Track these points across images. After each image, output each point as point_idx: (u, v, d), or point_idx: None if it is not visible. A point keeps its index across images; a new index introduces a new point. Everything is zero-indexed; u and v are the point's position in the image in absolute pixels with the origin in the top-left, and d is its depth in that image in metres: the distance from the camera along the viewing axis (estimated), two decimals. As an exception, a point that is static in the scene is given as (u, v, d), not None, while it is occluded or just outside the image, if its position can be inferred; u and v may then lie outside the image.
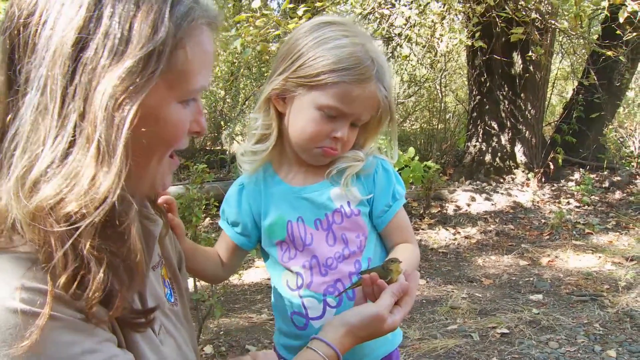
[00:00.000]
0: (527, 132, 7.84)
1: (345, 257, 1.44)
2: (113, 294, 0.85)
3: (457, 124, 10.35)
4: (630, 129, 9.08)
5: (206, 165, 3.53)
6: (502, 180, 7.78)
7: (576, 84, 8.90)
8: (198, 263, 1.52)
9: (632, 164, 8.32)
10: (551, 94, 9.94)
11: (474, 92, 8.31)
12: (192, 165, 3.46)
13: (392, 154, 1.53)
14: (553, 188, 7.55)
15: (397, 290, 1.25)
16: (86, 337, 0.82)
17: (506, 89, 7.80)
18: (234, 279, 4.68)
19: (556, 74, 10.25)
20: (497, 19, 5.84)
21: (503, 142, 7.92)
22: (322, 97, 1.33)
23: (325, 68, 1.31)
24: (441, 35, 6.19)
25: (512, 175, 7.83)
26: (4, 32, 0.82)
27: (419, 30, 6.28)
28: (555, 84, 10.35)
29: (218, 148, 9.93)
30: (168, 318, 1.12)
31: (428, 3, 6.04)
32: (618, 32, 5.95)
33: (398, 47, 7.24)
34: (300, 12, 5.17)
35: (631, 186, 7.57)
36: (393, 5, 6.23)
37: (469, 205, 7.05)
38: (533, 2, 5.67)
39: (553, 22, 6.42)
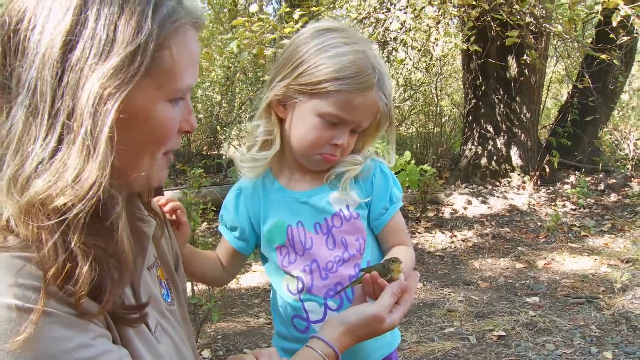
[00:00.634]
0: (523, 135, 7.88)
1: (345, 260, 1.45)
2: (103, 289, 0.87)
3: (453, 128, 10.38)
4: (625, 132, 9.13)
5: (203, 170, 3.53)
6: (498, 184, 7.81)
7: (571, 87, 8.95)
8: (198, 267, 1.53)
9: (627, 166, 8.36)
10: (546, 97, 9.98)
11: (470, 96, 8.34)
12: (190, 169, 3.46)
13: (390, 157, 1.55)
14: (549, 191, 7.58)
15: (397, 289, 1.26)
16: (79, 333, 0.84)
17: (501, 92, 7.84)
18: (231, 283, 4.67)
19: (551, 78, 10.29)
20: (492, 23, 5.87)
21: (499, 145, 7.95)
22: (324, 104, 1.34)
23: (327, 76, 1.32)
24: (436, 39, 6.21)
25: (508, 179, 7.86)
26: None
27: (414, 34, 6.31)
28: (550, 88, 10.40)
29: (214, 153, 9.93)
30: (165, 318, 1.13)
31: (423, 7, 6.06)
32: (612, 35, 5.99)
33: (394, 51, 7.26)
34: (296, 16, 5.19)
35: (626, 189, 7.61)
36: (388, 10, 6.25)
37: (465, 208, 7.07)
38: (527, 6, 5.70)
39: (547, 25, 6.46)
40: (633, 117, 9.64)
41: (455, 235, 6.33)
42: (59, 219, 0.81)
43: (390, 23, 5.96)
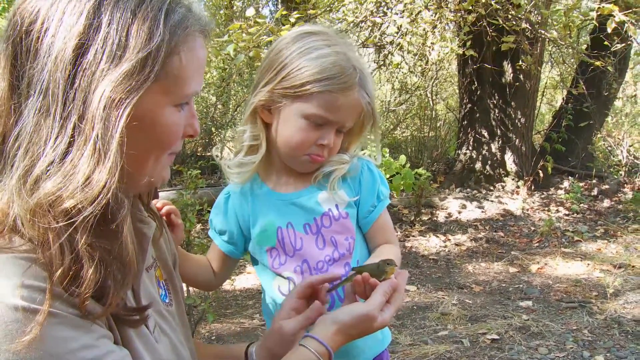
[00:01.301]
0: (517, 140, 7.92)
1: (336, 259, 1.46)
2: (106, 291, 0.88)
3: (448, 132, 10.43)
4: (619, 138, 9.19)
5: (199, 171, 3.54)
6: (492, 188, 7.84)
7: (565, 93, 9.00)
8: (189, 270, 1.54)
9: (620, 172, 8.41)
10: (541, 102, 10.04)
11: (465, 101, 8.38)
12: (186, 171, 3.46)
13: (376, 155, 1.57)
14: (542, 196, 7.61)
15: (388, 288, 1.27)
16: (84, 333, 0.85)
17: (496, 97, 7.88)
18: (225, 285, 4.68)
19: (546, 83, 10.35)
20: (488, 28, 5.90)
21: (493, 150, 7.98)
22: (308, 106, 1.36)
23: (310, 78, 1.34)
24: (432, 43, 6.24)
25: (502, 183, 7.89)
26: (7, 39, 0.86)
27: (410, 38, 6.33)
28: (544, 93, 10.46)
29: (209, 154, 9.92)
30: (163, 318, 1.14)
31: (420, 12, 6.09)
32: (606, 42, 6.03)
33: (390, 55, 7.29)
34: (292, 20, 5.21)
35: (619, 194, 7.66)
36: (385, 14, 6.27)
37: (459, 212, 7.09)
38: (523, 12, 5.74)
39: (543, 31, 6.50)
40: (626, 123, 9.71)
41: (449, 239, 6.35)
42: (66, 222, 0.81)
43: (387, 27, 5.99)
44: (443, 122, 10.60)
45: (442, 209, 7.20)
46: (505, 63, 7.60)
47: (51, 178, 0.81)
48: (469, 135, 8.19)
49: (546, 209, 7.21)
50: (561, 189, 7.89)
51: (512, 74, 7.65)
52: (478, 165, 8.04)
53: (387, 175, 6.65)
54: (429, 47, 6.46)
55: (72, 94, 0.82)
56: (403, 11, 6.06)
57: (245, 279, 5.06)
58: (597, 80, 7.74)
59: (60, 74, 0.82)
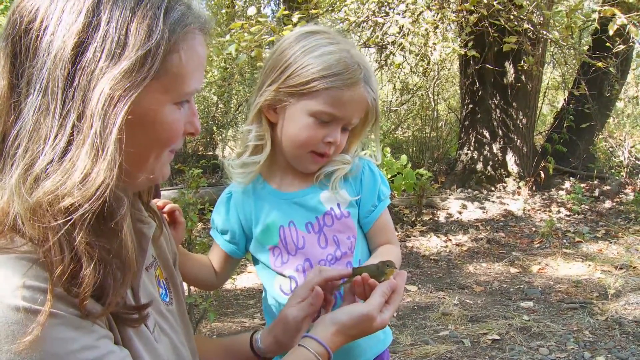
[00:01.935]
0: (519, 141, 7.92)
1: (338, 258, 1.46)
2: (106, 290, 0.88)
3: (449, 132, 10.42)
4: (620, 139, 9.18)
5: (201, 170, 3.54)
6: (493, 189, 7.84)
7: (567, 94, 9.01)
8: (190, 268, 1.55)
9: (622, 173, 8.41)
10: (542, 103, 10.03)
11: (466, 101, 8.38)
12: (188, 170, 3.47)
13: (376, 155, 1.57)
14: (544, 197, 7.61)
15: (387, 289, 1.28)
16: (84, 334, 0.85)
17: (498, 98, 7.87)
18: (226, 284, 4.68)
19: (547, 84, 10.36)
20: (490, 29, 5.90)
21: (494, 150, 7.98)
22: (314, 103, 1.37)
23: (315, 75, 1.35)
24: (434, 44, 6.23)
25: (504, 184, 7.89)
26: (7, 38, 0.86)
27: (412, 38, 6.33)
28: (546, 94, 10.46)
29: (210, 153, 9.93)
30: (163, 317, 1.14)
31: (422, 12, 6.09)
32: (608, 44, 6.03)
33: (391, 55, 7.29)
34: (294, 19, 5.21)
35: (620, 195, 7.66)
36: (387, 14, 6.28)
37: (460, 212, 7.09)
38: (525, 13, 5.74)
39: (545, 32, 6.50)
40: (628, 124, 9.71)
41: (450, 240, 6.35)
42: (65, 219, 0.81)
43: (389, 27, 5.99)
44: (444, 122, 10.60)
45: (443, 209, 7.20)
46: (507, 64, 7.59)
47: (50, 176, 0.81)
48: (471, 135, 8.19)
49: (547, 209, 7.21)
50: (562, 189, 7.89)
51: (513, 75, 7.65)
52: (479, 166, 8.04)
53: (389, 175, 6.65)
54: (431, 47, 6.45)
55: (72, 92, 0.82)
56: (405, 11, 6.06)
57: (246, 278, 5.06)
58: (598, 81, 7.74)
59: (60, 72, 0.82)
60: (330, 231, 1.47)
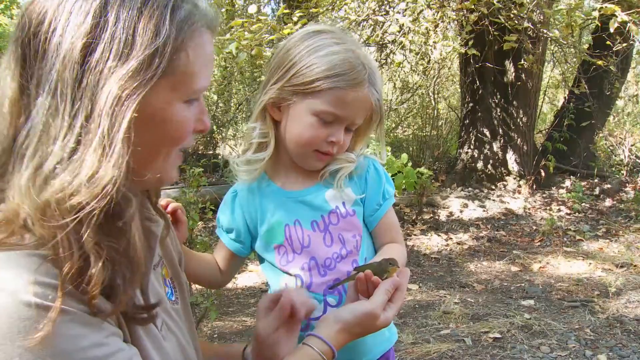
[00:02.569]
0: (519, 139, 7.91)
1: (343, 256, 1.46)
2: (116, 289, 0.88)
3: (450, 131, 10.42)
4: (620, 138, 9.19)
5: (202, 169, 3.54)
6: (494, 187, 7.84)
7: (567, 92, 9.00)
8: (195, 267, 1.55)
9: (622, 172, 8.41)
10: (542, 102, 10.03)
11: (467, 100, 8.38)
12: (189, 169, 3.47)
13: (381, 154, 1.57)
14: (544, 195, 7.61)
15: (390, 287, 1.28)
16: (94, 331, 0.86)
17: (498, 96, 7.87)
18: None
19: (547, 82, 10.35)
20: (490, 27, 5.90)
21: (495, 149, 7.98)
22: (318, 103, 1.37)
23: (320, 75, 1.35)
24: (434, 42, 6.23)
25: (504, 182, 7.89)
26: (16, 41, 0.87)
27: (412, 37, 6.32)
28: (546, 92, 10.46)
29: (210, 152, 9.93)
30: (170, 316, 1.14)
31: (422, 10, 6.09)
32: (608, 42, 6.03)
33: (391, 53, 7.29)
34: (295, 18, 5.21)
35: (621, 194, 7.66)
36: (387, 13, 6.27)
37: (461, 211, 7.10)
38: (526, 11, 5.74)
39: (545, 31, 6.50)
40: (628, 123, 9.71)
41: (450, 238, 6.35)
42: (73, 217, 0.81)
43: (389, 26, 5.99)
44: (445, 121, 10.60)
45: (444, 207, 7.20)
46: (507, 62, 7.59)
47: (59, 176, 0.81)
48: (471, 134, 8.19)
49: (548, 208, 7.21)
50: (563, 188, 7.89)
51: (514, 73, 7.65)
52: (480, 164, 8.04)
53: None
54: (431, 46, 6.45)
55: (80, 93, 0.83)
56: (405, 10, 6.07)
57: (247, 277, 5.06)
58: (599, 79, 7.74)
59: (69, 74, 0.82)
60: (336, 229, 1.47)
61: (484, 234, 6.45)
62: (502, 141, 7.94)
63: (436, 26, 6.16)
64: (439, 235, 6.41)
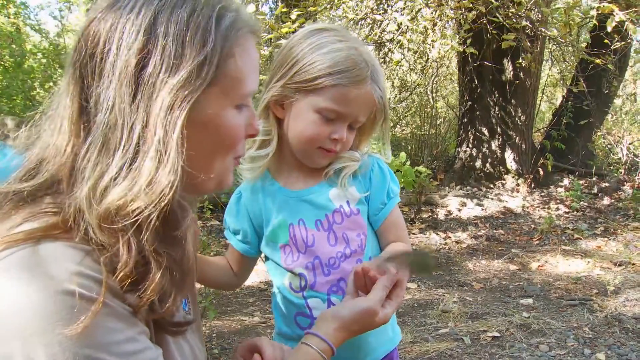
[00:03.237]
0: (517, 138, 7.92)
1: (347, 256, 1.46)
2: (167, 296, 0.92)
3: (448, 130, 10.43)
4: (618, 136, 9.20)
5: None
6: (492, 186, 7.84)
7: (565, 91, 9.01)
8: (210, 272, 1.58)
9: (620, 170, 8.43)
10: (541, 100, 10.04)
11: (465, 98, 8.38)
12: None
13: (386, 153, 1.57)
14: (542, 194, 7.62)
15: (388, 282, 1.28)
16: (129, 327, 0.89)
17: (497, 95, 7.88)
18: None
19: (546, 81, 10.36)
20: (489, 26, 5.90)
21: (493, 147, 7.99)
22: (320, 100, 1.36)
23: (322, 72, 1.35)
24: (433, 41, 6.23)
25: (502, 181, 7.90)
26: (74, 64, 0.92)
27: (410, 36, 6.32)
28: (544, 91, 10.46)
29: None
30: None
31: (420, 9, 6.09)
32: (606, 40, 6.04)
33: (390, 52, 7.29)
34: (293, 17, 5.21)
35: (619, 192, 7.67)
36: (385, 11, 6.27)
37: (459, 210, 7.10)
38: (524, 10, 5.74)
39: (543, 29, 6.50)
40: (626, 121, 9.73)
41: (449, 237, 6.36)
42: (133, 220, 0.85)
43: (387, 24, 5.98)
44: (443, 119, 10.61)
45: (442, 206, 7.20)
46: (505, 61, 7.59)
47: (119, 185, 0.85)
48: (469, 132, 8.19)
49: (546, 206, 7.22)
50: (561, 186, 7.90)
51: (512, 72, 7.65)
52: (478, 163, 8.05)
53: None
54: (429, 44, 6.45)
55: (136, 106, 0.87)
56: (403, 9, 6.06)
57: (245, 277, 5.06)
58: (597, 78, 7.75)
59: (125, 89, 0.87)
60: (340, 229, 1.46)
61: (482, 232, 6.45)
62: (500, 140, 7.95)
63: (434, 25, 6.17)
64: (437, 234, 6.41)
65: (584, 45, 7.79)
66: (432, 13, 5.99)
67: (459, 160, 8.33)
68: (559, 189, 7.79)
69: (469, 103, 8.20)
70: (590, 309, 4.19)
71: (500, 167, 7.96)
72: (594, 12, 5.23)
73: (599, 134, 8.75)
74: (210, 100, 0.93)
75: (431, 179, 7.57)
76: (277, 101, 1.42)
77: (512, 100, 7.81)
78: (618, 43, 6.09)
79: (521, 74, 7.63)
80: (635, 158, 8.62)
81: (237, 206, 1.57)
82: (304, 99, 1.38)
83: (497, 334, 3.78)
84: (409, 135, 10.77)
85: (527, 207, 7.19)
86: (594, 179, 8.02)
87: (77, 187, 0.88)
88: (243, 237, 1.57)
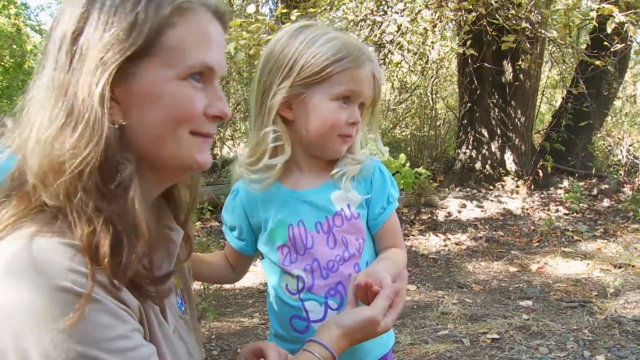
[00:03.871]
0: (517, 139, 7.92)
1: (346, 259, 1.46)
2: (122, 255, 0.93)
3: (448, 131, 10.43)
4: (618, 138, 9.19)
5: (200, 169, 3.53)
6: (492, 188, 7.84)
7: (565, 92, 9.01)
8: (207, 270, 1.60)
9: (620, 172, 8.42)
10: (540, 102, 10.04)
11: (465, 100, 8.38)
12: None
13: (380, 149, 1.58)
14: (542, 195, 7.62)
15: (391, 293, 1.29)
16: (121, 324, 0.90)
17: (496, 96, 7.88)
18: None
19: (545, 83, 10.36)
20: (488, 28, 5.90)
21: (493, 149, 7.98)
22: (334, 86, 1.39)
23: (328, 61, 1.37)
24: (432, 42, 6.24)
25: (502, 183, 7.89)
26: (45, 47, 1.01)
27: (410, 37, 6.32)
28: (544, 93, 10.46)
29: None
30: (180, 324, 1.17)
31: (420, 10, 6.08)
32: (606, 42, 6.03)
33: (389, 53, 7.28)
34: (293, 18, 5.20)
35: (619, 194, 7.66)
36: (385, 13, 6.27)
37: (459, 211, 7.09)
38: (523, 12, 5.74)
39: (543, 31, 6.50)
40: (626, 123, 9.71)
41: (449, 238, 6.35)
42: (70, 175, 0.89)
43: (387, 25, 5.98)
44: (443, 121, 10.60)
45: (442, 208, 7.20)
46: (505, 62, 7.59)
47: (57, 140, 0.90)
48: (469, 134, 8.19)
49: (546, 208, 7.22)
50: (561, 188, 7.89)
51: (512, 74, 7.65)
52: (478, 165, 8.04)
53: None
54: (429, 46, 6.46)
55: (72, 71, 0.92)
56: (403, 10, 6.06)
57: (245, 278, 5.03)
58: (597, 79, 7.75)
59: (62, 57, 0.93)
60: (340, 232, 1.46)
61: (482, 234, 6.45)
62: (500, 141, 7.94)
63: (434, 26, 6.17)
64: (437, 236, 6.40)
65: (583, 46, 7.79)
66: (432, 14, 5.99)
67: (458, 161, 8.32)
68: (559, 191, 7.79)
69: (469, 104, 8.20)
70: (590, 311, 4.18)
71: (500, 169, 7.96)
72: (593, 14, 5.23)
73: (598, 135, 8.75)
74: (149, 69, 0.95)
75: (431, 181, 7.56)
76: (285, 103, 1.42)
77: (512, 102, 7.81)
78: (618, 45, 6.08)
79: (521, 75, 7.63)
80: (635, 160, 8.61)
81: (233, 203, 1.57)
82: (316, 92, 1.39)
83: (496, 336, 3.77)
84: (409, 136, 10.77)
85: (527, 209, 7.18)
86: (594, 180, 8.02)
87: (19, 138, 0.95)
88: (239, 234, 1.57)
